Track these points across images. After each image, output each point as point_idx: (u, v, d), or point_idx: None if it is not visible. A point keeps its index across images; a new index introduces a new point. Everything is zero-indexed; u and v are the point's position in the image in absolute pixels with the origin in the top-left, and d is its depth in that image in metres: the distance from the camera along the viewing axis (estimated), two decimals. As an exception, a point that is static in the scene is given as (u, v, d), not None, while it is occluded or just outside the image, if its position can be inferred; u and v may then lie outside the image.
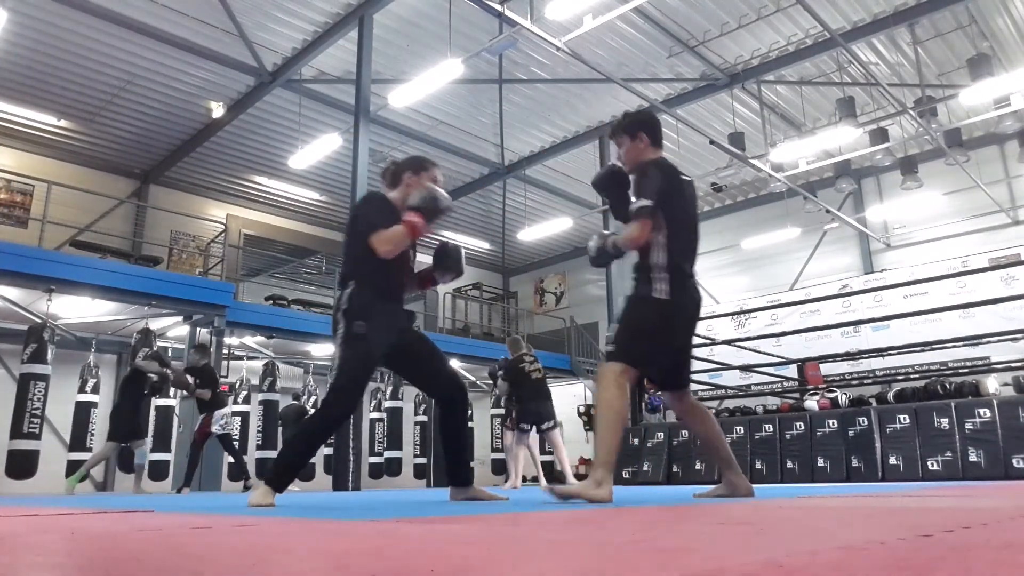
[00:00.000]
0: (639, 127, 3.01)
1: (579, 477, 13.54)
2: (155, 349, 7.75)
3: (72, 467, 8.41)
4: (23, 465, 7.32)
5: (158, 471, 8.59)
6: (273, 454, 9.17)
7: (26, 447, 7.38)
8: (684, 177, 2.96)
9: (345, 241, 2.99)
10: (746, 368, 8.92)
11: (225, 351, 10.08)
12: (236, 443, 8.21)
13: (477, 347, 12.97)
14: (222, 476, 8.72)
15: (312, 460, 11.20)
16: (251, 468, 9.18)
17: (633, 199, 2.86)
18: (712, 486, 3.24)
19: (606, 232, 3.09)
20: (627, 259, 3.04)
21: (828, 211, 12.04)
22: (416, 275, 3.08)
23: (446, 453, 3.03)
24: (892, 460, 5.67)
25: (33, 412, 7.42)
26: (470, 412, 13.55)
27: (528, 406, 7.08)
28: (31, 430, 7.41)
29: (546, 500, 3.23)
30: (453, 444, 3.02)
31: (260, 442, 10.79)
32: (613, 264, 12.42)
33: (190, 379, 7.77)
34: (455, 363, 12.67)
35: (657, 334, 2.82)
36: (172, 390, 9.21)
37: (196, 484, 8.27)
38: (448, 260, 3.01)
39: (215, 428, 7.76)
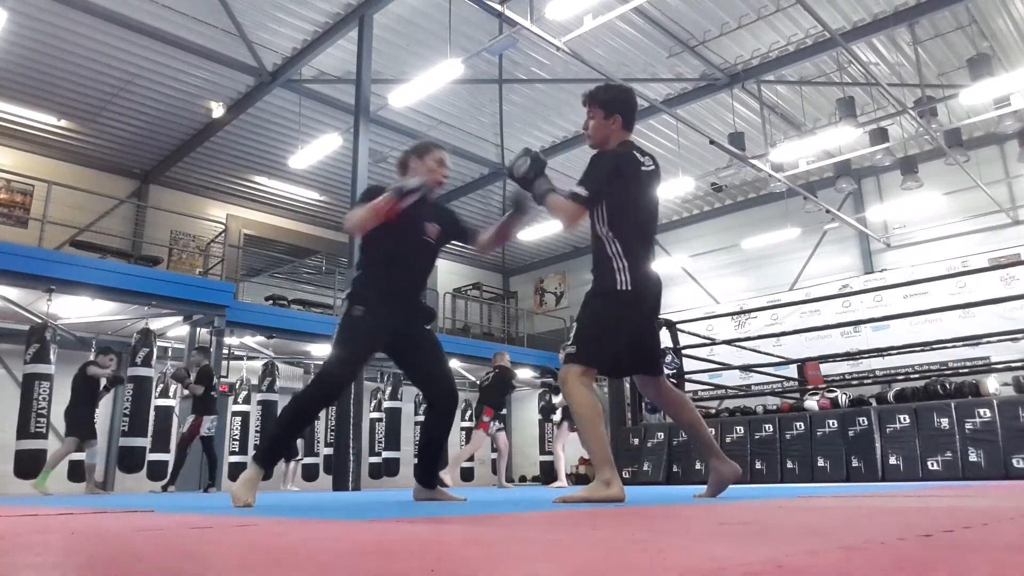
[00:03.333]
0: (617, 108, 2.85)
1: (579, 477, 13.56)
2: (113, 366, 7.70)
3: (73, 467, 8.42)
4: (31, 464, 7.35)
5: (158, 471, 8.60)
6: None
7: (33, 447, 7.42)
8: (645, 167, 2.80)
9: None
10: (746, 368, 8.92)
11: (225, 351, 10.08)
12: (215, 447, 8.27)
13: (477, 347, 12.96)
14: (223, 476, 8.72)
15: (315, 461, 11.32)
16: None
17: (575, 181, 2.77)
18: (711, 486, 3.23)
19: (544, 162, 2.85)
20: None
21: (828, 211, 12.04)
22: (496, 232, 3.07)
23: (422, 454, 3.14)
24: (892, 460, 5.66)
25: (39, 412, 7.45)
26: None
27: None
28: (38, 430, 7.44)
29: (544, 500, 3.23)
30: (432, 448, 3.11)
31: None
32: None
33: (190, 375, 7.89)
34: (455, 363, 12.68)
35: (616, 328, 2.76)
36: (172, 389, 9.22)
37: (196, 484, 8.29)
38: (512, 206, 3.00)
39: (204, 431, 7.89)
